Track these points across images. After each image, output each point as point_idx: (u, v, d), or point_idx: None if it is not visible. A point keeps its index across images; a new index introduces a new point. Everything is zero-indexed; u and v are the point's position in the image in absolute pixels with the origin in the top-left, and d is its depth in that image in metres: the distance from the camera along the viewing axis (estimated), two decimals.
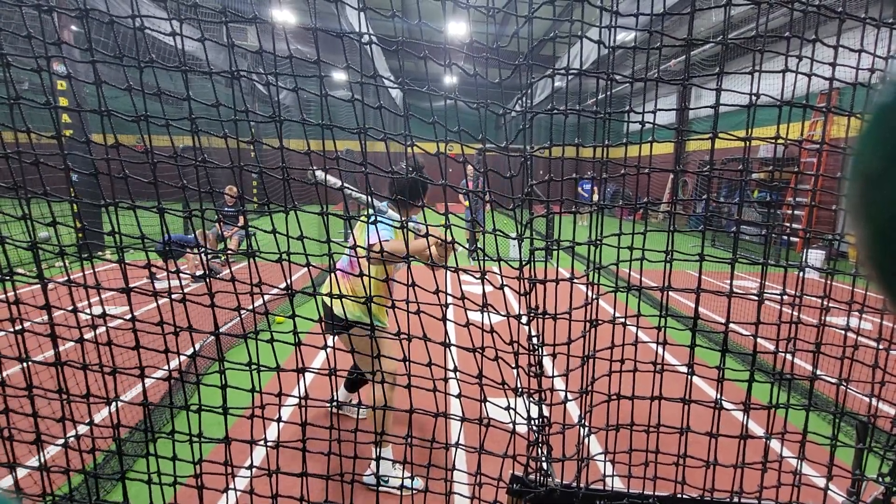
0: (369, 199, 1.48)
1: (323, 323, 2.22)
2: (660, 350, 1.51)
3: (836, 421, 1.63)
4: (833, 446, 1.61)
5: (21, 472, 1.75)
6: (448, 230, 1.53)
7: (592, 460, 1.71)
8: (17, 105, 1.29)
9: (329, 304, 2.28)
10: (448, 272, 1.52)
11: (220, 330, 1.49)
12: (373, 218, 1.45)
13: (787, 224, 8.23)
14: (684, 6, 8.30)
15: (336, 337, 2.28)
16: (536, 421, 1.57)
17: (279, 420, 1.53)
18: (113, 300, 4.84)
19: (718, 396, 1.56)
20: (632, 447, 1.69)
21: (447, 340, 1.50)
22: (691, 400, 1.57)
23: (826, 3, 1.43)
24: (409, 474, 2.26)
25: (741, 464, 1.60)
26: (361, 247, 1.44)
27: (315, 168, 1.50)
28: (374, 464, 2.27)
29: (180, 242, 6.05)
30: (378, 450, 2.06)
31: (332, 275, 2.31)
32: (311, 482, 1.58)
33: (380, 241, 1.47)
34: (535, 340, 1.52)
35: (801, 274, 1.60)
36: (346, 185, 1.73)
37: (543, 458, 1.58)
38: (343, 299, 2.09)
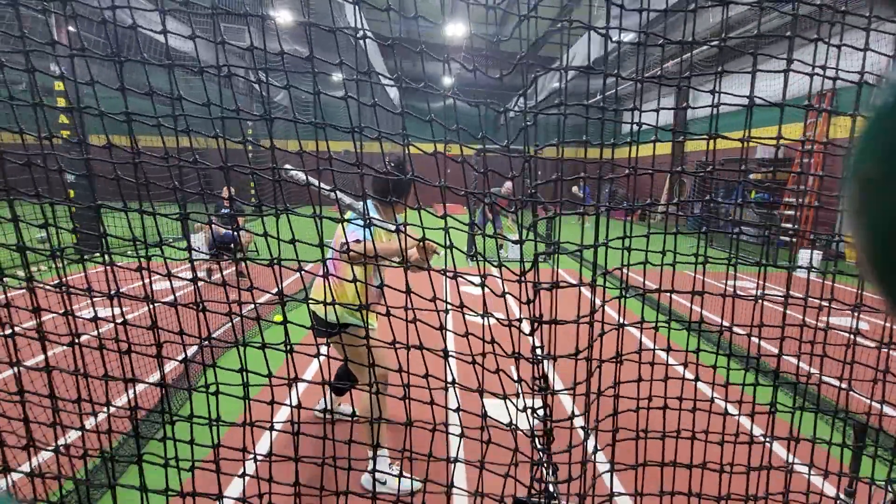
0: (336, 195, 1.47)
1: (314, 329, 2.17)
2: (663, 355, 1.49)
3: (837, 423, 1.61)
4: (836, 447, 1.58)
5: (14, 477, 1.71)
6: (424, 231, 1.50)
7: (599, 478, 1.66)
8: (10, 105, 1.27)
9: (315, 309, 2.22)
10: (447, 279, 1.49)
11: (213, 335, 1.46)
12: (353, 217, 1.43)
13: (785, 225, 8.24)
14: (682, 6, 8.28)
15: (329, 343, 2.23)
16: (540, 440, 1.53)
17: (271, 429, 1.50)
18: (104, 302, 4.79)
19: (724, 404, 1.53)
20: (637, 461, 1.65)
21: (445, 350, 1.46)
22: (696, 407, 1.54)
23: (824, 3, 1.42)
24: (407, 475, 2.23)
25: (748, 467, 1.57)
26: (329, 246, 1.44)
27: (290, 168, 1.49)
28: (370, 465, 2.24)
29: (223, 241, 5.76)
30: (373, 454, 2.02)
31: (318, 278, 2.24)
32: (303, 491, 1.55)
33: (347, 242, 1.47)
34: (538, 352, 1.48)
35: (796, 274, 1.57)
36: (312, 180, 1.65)
37: (549, 481, 1.53)
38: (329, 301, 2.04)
